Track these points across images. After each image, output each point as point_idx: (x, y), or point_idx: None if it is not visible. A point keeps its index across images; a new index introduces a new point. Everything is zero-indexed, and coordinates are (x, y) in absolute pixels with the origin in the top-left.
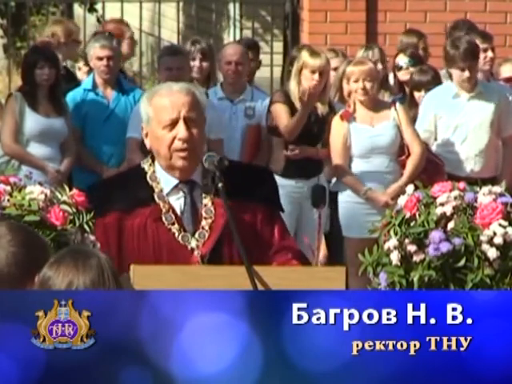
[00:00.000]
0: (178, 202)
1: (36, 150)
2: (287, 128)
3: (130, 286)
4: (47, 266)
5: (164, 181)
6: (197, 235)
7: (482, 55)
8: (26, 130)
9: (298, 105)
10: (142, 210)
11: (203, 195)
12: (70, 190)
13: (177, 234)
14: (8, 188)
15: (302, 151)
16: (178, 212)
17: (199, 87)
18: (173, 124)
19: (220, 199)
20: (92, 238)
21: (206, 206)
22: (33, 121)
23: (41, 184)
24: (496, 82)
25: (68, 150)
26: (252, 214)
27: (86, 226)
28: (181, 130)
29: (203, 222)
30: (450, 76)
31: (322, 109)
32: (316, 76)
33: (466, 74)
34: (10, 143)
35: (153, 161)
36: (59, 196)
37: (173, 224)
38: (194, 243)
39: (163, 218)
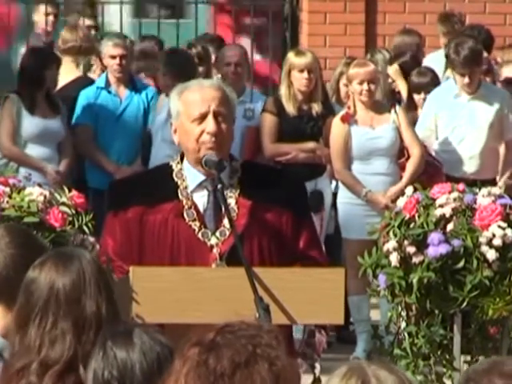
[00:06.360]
0: (201, 199)
1: (34, 151)
2: (269, 150)
3: (130, 288)
4: (31, 270)
5: (190, 178)
6: (217, 233)
7: None
8: (24, 131)
9: (288, 109)
10: (164, 206)
11: (228, 194)
12: (84, 189)
13: (197, 231)
14: (7, 189)
15: (295, 156)
16: (201, 209)
17: (229, 87)
18: (202, 118)
19: (244, 199)
20: (91, 239)
21: (229, 205)
22: (30, 122)
23: (40, 185)
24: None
25: (65, 150)
26: (276, 216)
27: (85, 228)
28: (209, 124)
29: (225, 221)
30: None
31: (316, 108)
32: (305, 74)
33: (466, 80)
34: (8, 145)
35: (181, 159)
36: (58, 197)
37: (194, 220)
38: (213, 240)
39: (185, 214)
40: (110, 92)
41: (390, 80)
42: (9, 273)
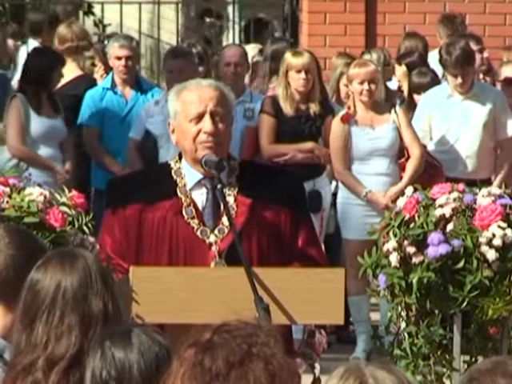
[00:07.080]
0: (200, 197)
1: (40, 151)
2: (267, 152)
3: (130, 288)
4: (34, 270)
5: (189, 176)
6: (216, 231)
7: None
8: (32, 131)
9: (285, 109)
10: (163, 204)
11: (227, 192)
12: (88, 189)
13: (196, 228)
14: (7, 189)
15: (292, 157)
16: (200, 207)
17: (227, 86)
18: (199, 117)
19: (243, 197)
20: (91, 239)
21: (228, 203)
22: (38, 122)
23: (40, 185)
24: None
25: (67, 149)
26: (275, 214)
27: (85, 228)
28: (206, 124)
29: (224, 219)
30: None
31: (313, 107)
32: (302, 74)
33: (459, 80)
34: (17, 146)
35: (180, 158)
36: (58, 197)
37: (192, 218)
38: (212, 238)
39: (183, 212)
40: (115, 93)
41: (395, 79)
42: (9, 273)
